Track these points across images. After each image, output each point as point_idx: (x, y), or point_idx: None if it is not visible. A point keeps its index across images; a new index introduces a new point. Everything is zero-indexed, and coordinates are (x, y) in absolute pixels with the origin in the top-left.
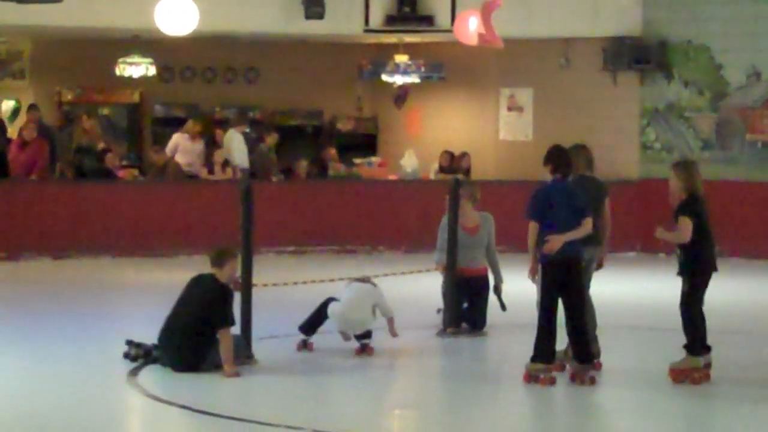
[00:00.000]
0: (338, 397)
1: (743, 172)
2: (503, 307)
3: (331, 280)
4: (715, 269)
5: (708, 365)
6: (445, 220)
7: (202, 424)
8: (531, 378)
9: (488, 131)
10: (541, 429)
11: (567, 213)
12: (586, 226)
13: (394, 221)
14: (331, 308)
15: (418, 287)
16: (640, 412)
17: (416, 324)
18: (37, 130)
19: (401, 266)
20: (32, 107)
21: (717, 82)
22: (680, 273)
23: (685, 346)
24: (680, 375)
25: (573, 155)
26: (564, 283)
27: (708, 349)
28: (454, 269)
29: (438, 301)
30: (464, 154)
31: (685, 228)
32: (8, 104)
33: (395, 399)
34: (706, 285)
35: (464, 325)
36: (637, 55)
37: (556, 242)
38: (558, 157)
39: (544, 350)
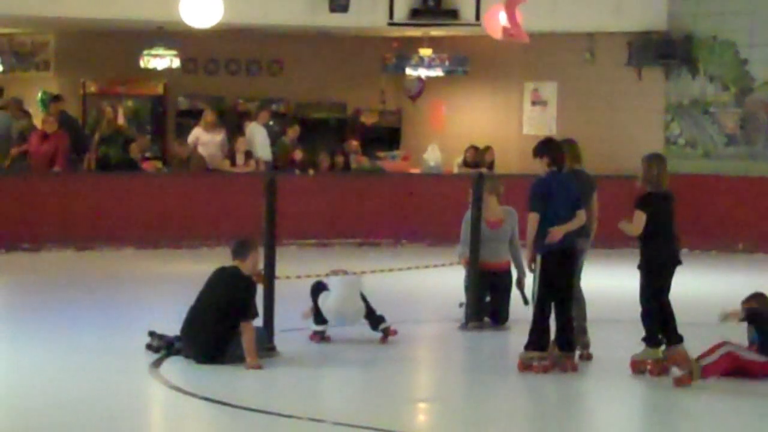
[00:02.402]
0: (359, 389)
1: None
2: (525, 301)
3: (354, 273)
4: (677, 263)
5: (681, 353)
6: (468, 214)
7: (224, 416)
8: (525, 366)
9: (512, 125)
10: (561, 422)
11: (564, 204)
12: (581, 216)
13: (417, 215)
14: (322, 303)
15: (440, 281)
16: (637, 404)
17: (439, 317)
18: (59, 121)
19: (424, 260)
20: (56, 98)
21: (742, 78)
22: (638, 266)
23: (644, 339)
24: (639, 366)
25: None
26: (561, 273)
27: (680, 338)
28: (477, 263)
29: (460, 294)
30: (488, 148)
31: (638, 221)
32: (38, 94)
33: (417, 392)
34: (664, 279)
35: (487, 319)
36: (662, 50)
37: (558, 233)
38: (552, 150)
39: (539, 339)
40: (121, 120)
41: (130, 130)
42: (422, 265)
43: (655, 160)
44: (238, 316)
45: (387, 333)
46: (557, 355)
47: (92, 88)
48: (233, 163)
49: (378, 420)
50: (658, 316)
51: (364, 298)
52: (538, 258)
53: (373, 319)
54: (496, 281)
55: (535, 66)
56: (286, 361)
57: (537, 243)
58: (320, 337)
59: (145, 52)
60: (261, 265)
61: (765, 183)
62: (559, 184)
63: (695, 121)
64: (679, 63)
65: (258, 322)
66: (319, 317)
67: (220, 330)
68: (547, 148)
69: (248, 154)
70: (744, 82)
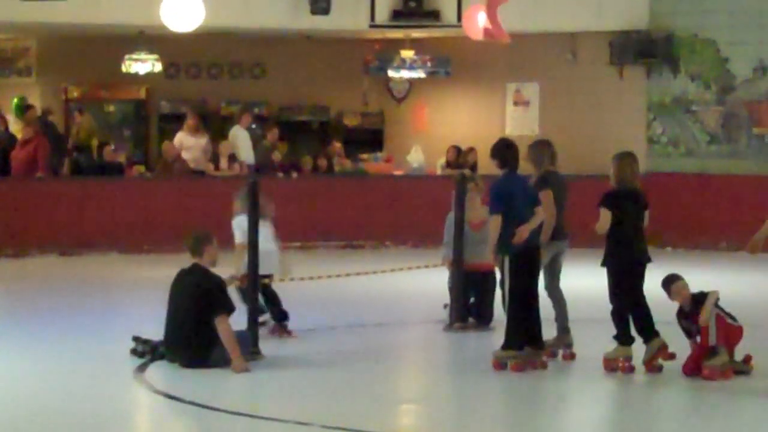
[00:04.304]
0: (346, 392)
1: (750, 165)
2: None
3: (338, 276)
4: (645, 261)
5: (663, 347)
6: (451, 216)
7: (210, 420)
8: (500, 365)
9: (495, 126)
10: (547, 421)
11: (524, 204)
12: (540, 214)
13: (401, 217)
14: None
15: (424, 282)
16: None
17: (423, 319)
18: (37, 126)
19: (408, 261)
20: (29, 107)
21: (723, 76)
22: (602, 264)
23: (615, 336)
24: (611, 364)
25: (538, 151)
26: (529, 271)
27: (656, 333)
28: (461, 264)
29: (445, 296)
30: (471, 149)
31: (603, 219)
32: (14, 100)
33: (403, 394)
34: (633, 277)
35: (471, 320)
36: (644, 49)
37: (524, 232)
38: (505, 151)
39: (515, 338)
40: (79, 121)
41: (105, 135)
42: (406, 266)
43: (624, 158)
44: (214, 312)
45: (282, 330)
46: (528, 352)
47: (74, 94)
48: (217, 167)
49: (364, 422)
50: (627, 314)
51: (272, 291)
52: (506, 259)
53: (276, 310)
54: (480, 282)
55: (517, 66)
56: (271, 365)
57: (502, 244)
58: (282, 331)
59: (127, 56)
60: (243, 269)
61: (747, 181)
62: (517, 185)
63: (677, 119)
64: (660, 62)
65: (242, 325)
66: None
67: (201, 335)
68: (495, 150)
69: (232, 158)
70: (725, 81)
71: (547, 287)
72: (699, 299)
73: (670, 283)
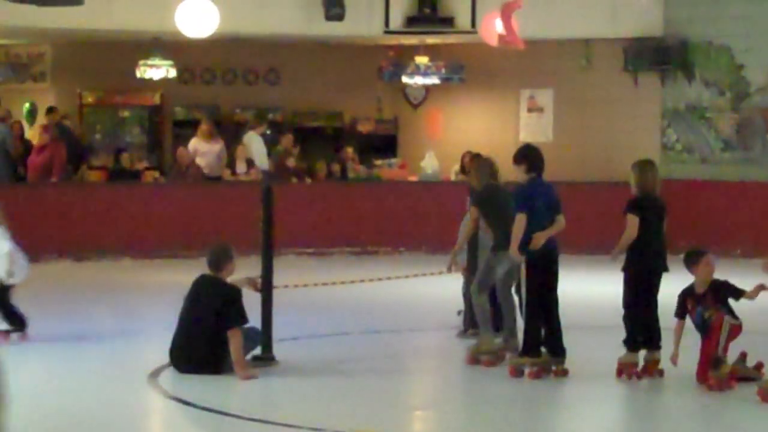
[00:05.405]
0: (359, 398)
1: (765, 172)
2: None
3: (352, 282)
4: (662, 270)
5: (655, 362)
6: (465, 221)
7: (224, 426)
8: (516, 371)
9: (509, 132)
10: (560, 428)
11: (546, 209)
12: (561, 222)
13: (415, 223)
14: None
15: (438, 289)
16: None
17: (437, 325)
18: (56, 132)
19: (422, 268)
20: (50, 110)
21: (738, 83)
22: (622, 269)
23: (624, 341)
24: (623, 369)
25: (481, 166)
26: (546, 278)
27: (657, 347)
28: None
29: (459, 302)
30: (478, 156)
31: (631, 225)
32: (25, 106)
33: (416, 400)
34: (647, 284)
35: None
36: (658, 56)
37: (541, 238)
38: (530, 156)
39: (534, 344)
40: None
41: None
42: (420, 273)
43: (645, 165)
44: (228, 324)
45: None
46: (547, 360)
47: (89, 99)
48: (233, 172)
49: (377, 428)
50: (639, 320)
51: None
52: (523, 265)
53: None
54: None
55: (532, 73)
56: (284, 371)
57: (522, 247)
58: (7, 335)
59: (141, 62)
60: (256, 274)
61: (762, 188)
62: (542, 190)
63: (691, 126)
64: (674, 68)
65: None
66: (13, 318)
67: (215, 343)
68: (524, 154)
69: (249, 162)
70: (740, 87)
71: (499, 293)
72: (717, 286)
73: (700, 255)
